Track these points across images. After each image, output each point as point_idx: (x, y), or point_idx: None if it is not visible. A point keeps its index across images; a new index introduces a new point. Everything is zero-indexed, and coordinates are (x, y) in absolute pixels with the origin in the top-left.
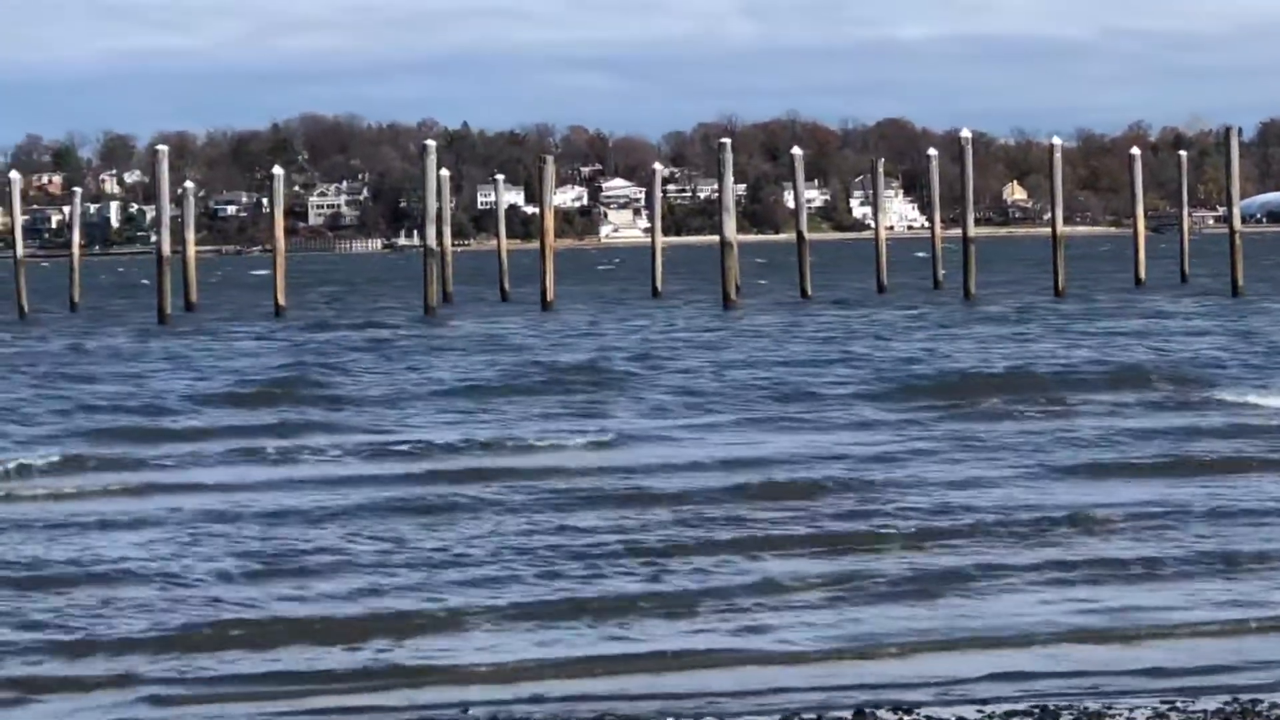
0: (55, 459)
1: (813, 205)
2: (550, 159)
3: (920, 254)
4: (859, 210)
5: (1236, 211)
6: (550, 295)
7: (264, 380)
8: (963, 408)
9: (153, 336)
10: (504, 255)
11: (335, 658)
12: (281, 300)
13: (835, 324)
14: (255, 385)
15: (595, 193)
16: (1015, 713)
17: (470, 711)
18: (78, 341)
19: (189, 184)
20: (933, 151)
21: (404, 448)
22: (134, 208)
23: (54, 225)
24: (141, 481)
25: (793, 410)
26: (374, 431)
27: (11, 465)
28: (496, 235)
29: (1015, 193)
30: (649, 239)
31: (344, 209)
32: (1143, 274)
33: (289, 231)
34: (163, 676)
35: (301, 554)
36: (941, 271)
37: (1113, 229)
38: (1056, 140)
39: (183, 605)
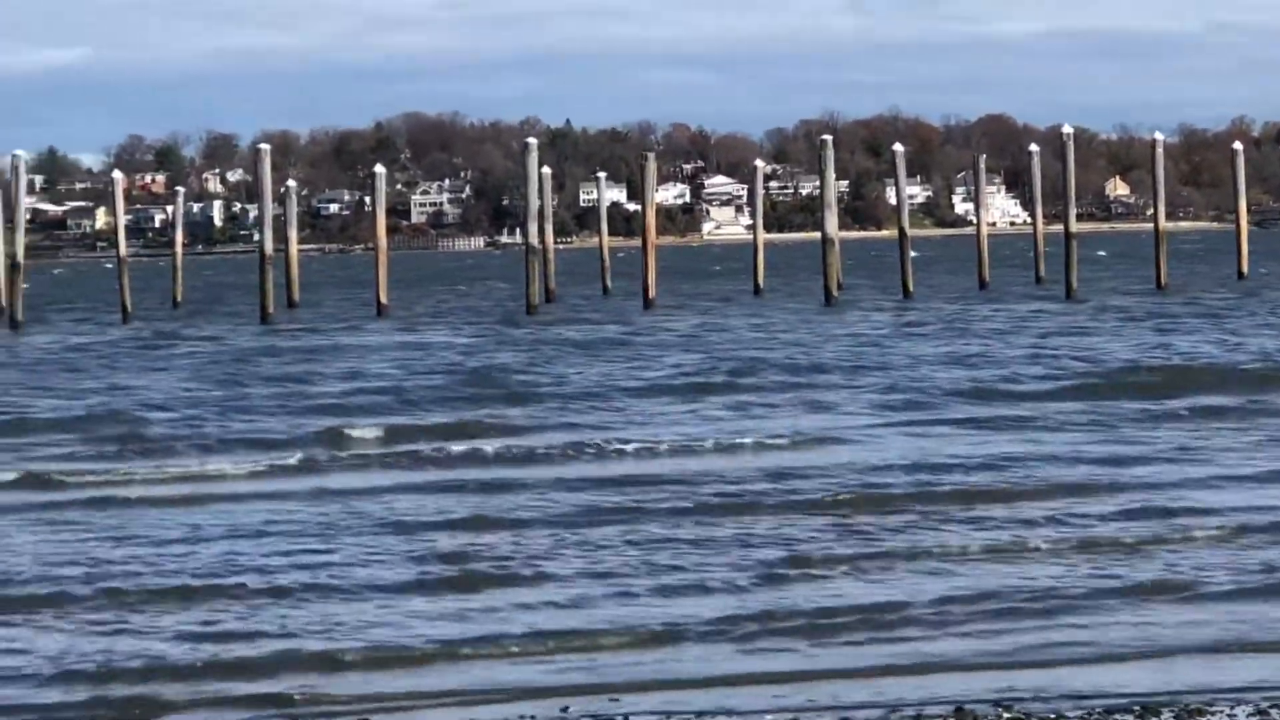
0: None
1: (915, 201)
2: (652, 156)
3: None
4: (961, 206)
5: None
6: (652, 292)
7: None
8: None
9: (308, 334)
10: (605, 252)
11: None
12: (384, 298)
13: (957, 319)
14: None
15: (697, 190)
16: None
17: None
18: (265, 343)
19: (292, 182)
20: (1034, 147)
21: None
22: (237, 206)
23: (157, 224)
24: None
25: (1000, 408)
26: (610, 428)
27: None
28: (598, 233)
29: (1118, 188)
30: (751, 236)
31: (446, 207)
32: (1245, 268)
33: (391, 230)
34: None
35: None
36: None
37: (1215, 224)
38: (1159, 135)
39: None
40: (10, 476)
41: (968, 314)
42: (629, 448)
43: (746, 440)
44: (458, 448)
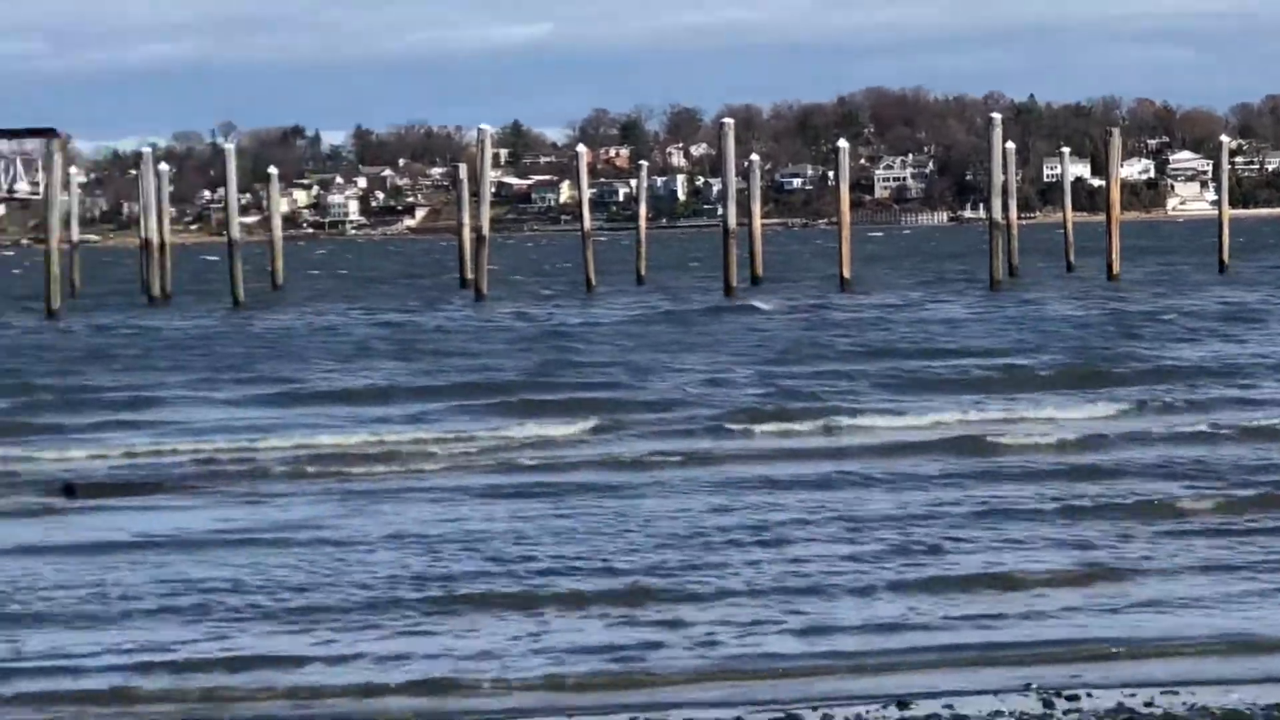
0: None
1: None
2: (1117, 131)
3: None
4: None
5: None
6: (1116, 269)
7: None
8: None
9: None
10: (1069, 228)
11: None
12: (847, 273)
13: None
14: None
15: (1162, 165)
16: None
17: None
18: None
19: (755, 157)
20: None
21: None
22: (700, 181)
23: (620, 198)
24: None
25: None
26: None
27: None
28: (1062, 208)
29: None
30: (1216, 211)
31: (909, 182)
32: None
33: (854, 204)
34: None
35: None
36: None
37: None
38: None
39: None
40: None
41: None
42: None
43: None
44: None
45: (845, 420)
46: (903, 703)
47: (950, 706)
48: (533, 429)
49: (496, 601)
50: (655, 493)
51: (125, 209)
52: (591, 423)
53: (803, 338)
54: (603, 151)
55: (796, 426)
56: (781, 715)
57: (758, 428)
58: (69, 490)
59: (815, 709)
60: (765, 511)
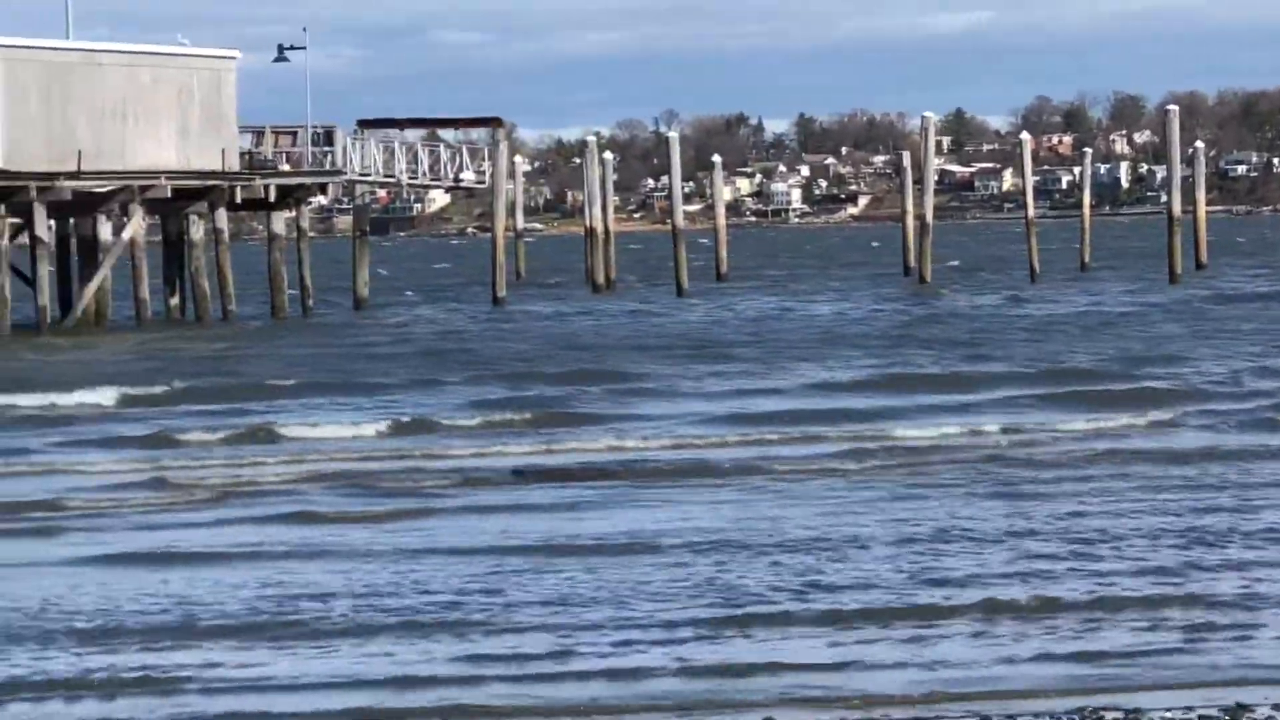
0: None
1: None
2: None
3: None
4: None
5: None
6: None
7: None
8: None
9: None
10: None
11: None
12: None
13: None
14: None
15: None
16: None
17: None
18: None
19: (1199, 144)
20: None
21: None
22: (1143, 168)
23: (1064, 186)
24: None
25: None
26: None
27: None
28: None
29: None
30: None
31: None
32: None
33: None
34: None
35: None
36: None
37: None
38: None
39: None
40: None
41: None
42: None
43: None
44: None
45: None
46: None
47: None
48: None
49: None
50: None
51: (569, 197)
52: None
53: None
54: (1046, 139)
55: None
56: None
57: None
58: None
59: None
60: None
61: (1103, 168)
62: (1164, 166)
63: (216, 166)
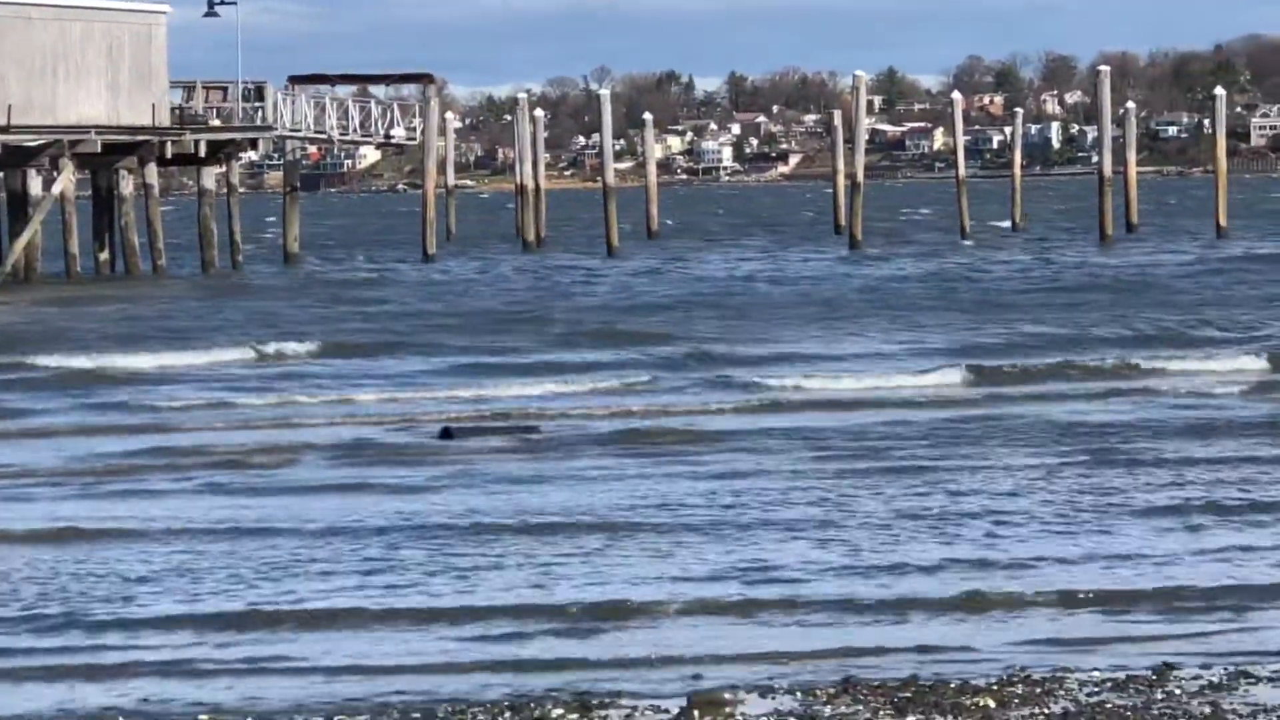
0: None
1: None
2: None
3: None
4: None
5: None
6: None
7: None
8: None
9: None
10: None
11: None
12: (1223, 221)
13: None
14: None
15: None
16: None
17: None
18: None
19: (1130, 104)
20: None
21: None
22: (1075, 128)
23: (994, 146)
24: None
25: None
26: None
27: None
28: None
29: None
30: None
31: None
32: None
33: (1230, 153)
34: None
35: None
36: None
37: None
38: None
39: None
40: None
41: None
42: None
43: None
44: None
45: None
46: None
47: None
48: None
49: None
50: None
51: (500, 155)
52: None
53: None
54: (977, 99)
55: None
56: None
57: None
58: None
59: None
60: None
61: (1034, 128)
62: (1095, 127)
63: (147, 121)
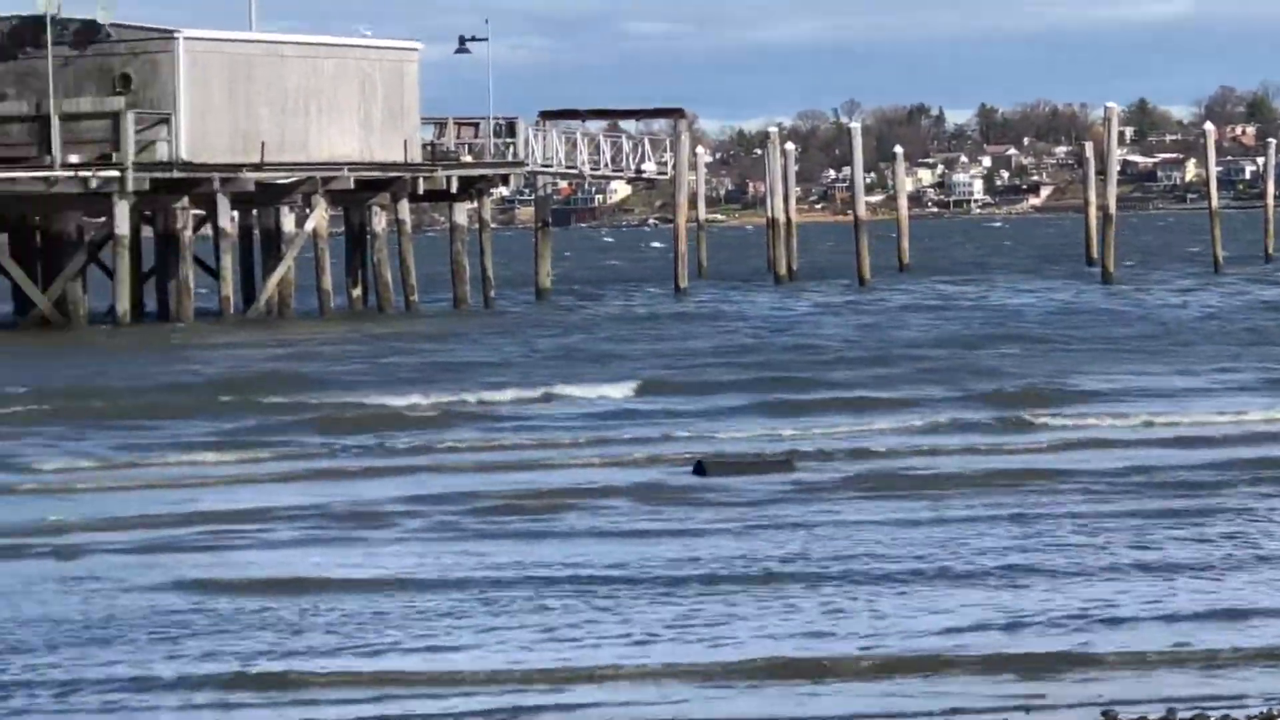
0: None
1: None
2: None
3: None
4: None
5: None
6: None
7: None
8: None
9: None
10: None
11: None
12: None
13: None
14: None
15: None
16: None
17: None
18: None
19: None
20: None
21: None
22: None
23: (1246, 176)
24: None
25: None
26: None
27: None
28: None
29: None
30: None
31: None
32: None
33: None
34: None
35: None
36: None
37: None
38: None
39: None
40: None
41: None
42: None
43: None
44: None
45: None
46: None
47: None
48: None
49: None
50: None
51: (750, 188)
52: None
53: None
54: (1229, 129)
55: None
56: None
57: None
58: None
59: None
60: None
61: None
62: None
63: (399, 158)
